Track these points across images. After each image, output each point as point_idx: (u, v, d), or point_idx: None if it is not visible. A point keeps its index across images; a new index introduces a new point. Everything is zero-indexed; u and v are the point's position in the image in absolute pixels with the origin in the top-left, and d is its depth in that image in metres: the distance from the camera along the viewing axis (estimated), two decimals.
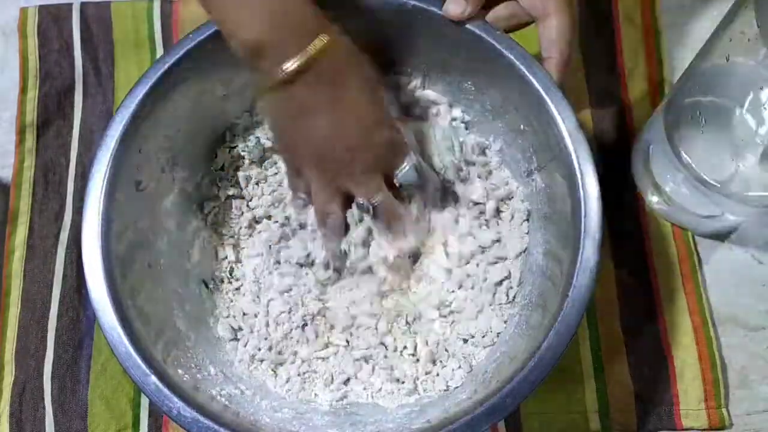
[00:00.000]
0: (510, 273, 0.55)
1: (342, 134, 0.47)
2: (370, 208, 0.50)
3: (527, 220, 0.56)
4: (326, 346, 0.54)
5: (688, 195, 0.55)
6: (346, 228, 0.52)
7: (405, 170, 0.50)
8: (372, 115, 0.48)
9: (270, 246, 0.56)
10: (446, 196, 0.55)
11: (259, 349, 0.54)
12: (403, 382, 0.53)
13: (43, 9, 0.67)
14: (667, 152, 0.54)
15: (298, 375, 0.53)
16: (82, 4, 0.68)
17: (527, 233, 0.55)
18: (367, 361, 0.54)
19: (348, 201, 0.51)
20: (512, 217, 0.56)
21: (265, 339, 0.54)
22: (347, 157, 0.48)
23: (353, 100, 0.47)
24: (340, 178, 0.49)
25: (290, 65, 0.44)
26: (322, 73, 0.45)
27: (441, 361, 0.53)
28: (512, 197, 0.56)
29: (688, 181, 0.54)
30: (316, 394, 0.53)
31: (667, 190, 0.57)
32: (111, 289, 0.46)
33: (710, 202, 0.54)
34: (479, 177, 0.56)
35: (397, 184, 0.51)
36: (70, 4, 0.68)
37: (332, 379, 0.53)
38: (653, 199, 0.59)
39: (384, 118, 0.49)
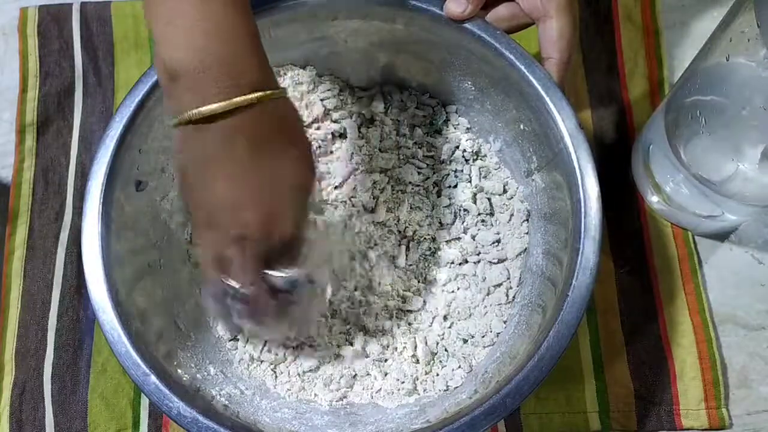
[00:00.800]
0: (509, 273, 0.55)
1: (250, 201, 0.41)
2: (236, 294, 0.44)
3: (527, 220, 0.56)
4: (326, 346, 0.54)
5: (688, 195, 0.55)
6: None
7: (286, 278, 0.44)
8: (282, 201, 0.42)
9: None
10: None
11: (259, 349, 0.54)
12: (403, 382, 0.53)
13: (43, 9, 0.67)
14: (667, 152, 0.54)
15: (298, 375, 0.53)
16: (82, 4, 0.68)
17: (527, 233, 0.55)
18: (367, 362, 0.54)
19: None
20: (512, 217, 0.56)
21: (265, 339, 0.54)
22: (242, 229, 0.41)
23: (267, 174, 0.40)
24: (221, 249, 0.43)
25: (207, 108, 0.38)
26: (244, 131, 0.39)
27: (441, 361, 0.53)
28: (512, 197, 0.56)
29: (688, 181, 0.54)
30: (315, 394, 0.53)
31: (667, 190, 0.57)
32: (111, 288, 0.46)
33: (710, 202, 0.54)
34: (468, 180, 0.57)
35: (270, 281, 0.45)
36: (70, 4, 0.68)
37: (332, 379, 0.53)
38: (653, 199, 0.59)
39: (295, 208, 0.43)
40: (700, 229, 0.59)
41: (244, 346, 0.54)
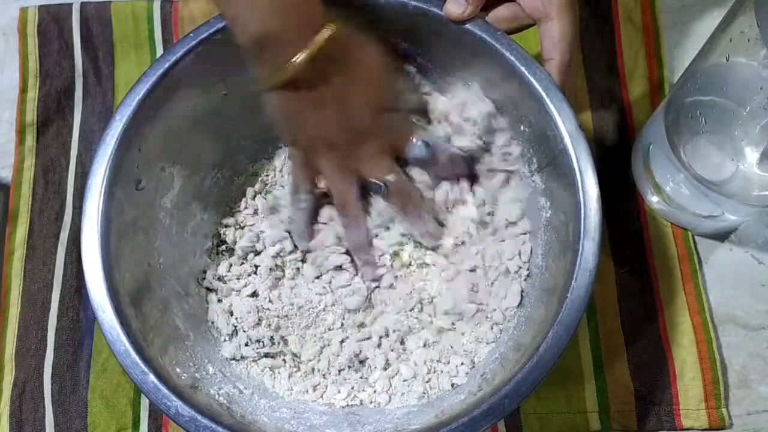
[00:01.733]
0: (512, 283, 0.55)
1: (350, 119, 0.48)
2: (383, 188, 0.51)
3: (527, 231, 0.56)
4: (326, 345, 0.54)
5: (688, 195, 0.55)
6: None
7: (414, 146, 0.51)
8: (380, 97, 0.49)
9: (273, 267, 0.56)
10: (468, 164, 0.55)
11: (258, 349, 0.54)
12: (405, 380, 0.53)
13: (43, 9, 0.67)
14: (667, 152, 0.54)
15: (297, 374, 0.53)
16: (82, 4, 0.68)
17: (527, 234, 0.55)
18: (365, 361, 0.54)
19: (363, 189, 0.52)
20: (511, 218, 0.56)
21: (264, 339, 0.54)
22: (356, 140, 0.49)
23: (361, 85, 0.48)
24: (351, 162, 0.50)
25: (298, 58, 0.44)
26: (329, 61, 0.45)
27: (444, 358, 0.53)
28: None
29: (688, 181, 0.54)
30: (315, 393, 0.53)
31: (667, 190, 0.57)
32: (110, 287, 0.46)
33: (710, 202, 0.54)
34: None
35: (410, 161, 0.52)
36: (70, 4, 0.68)
37: (331, 378, 0.53)
38: (653, 199, 0.59)
39: (392, 100, 0.50)
40: (700, 229, 0.59)
41: (244, 346, 0.54)
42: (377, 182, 0.51)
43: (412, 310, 0.55)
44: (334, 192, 0.52)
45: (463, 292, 0.54)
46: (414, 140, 0.51)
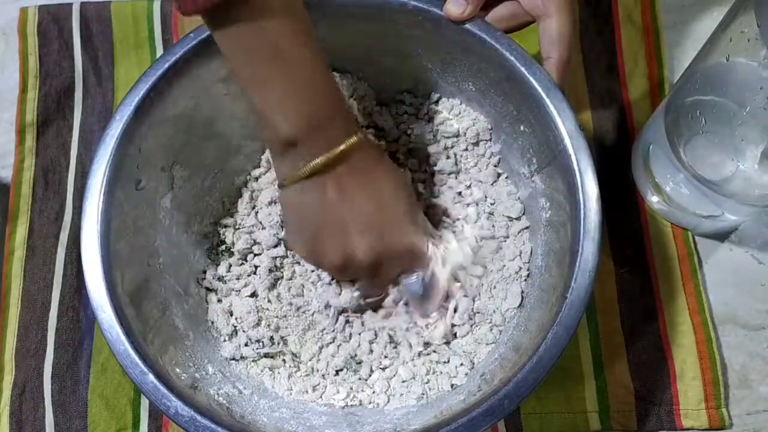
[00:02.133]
0: (512, 283, 0.55)
1: (370, 235, 0.47)
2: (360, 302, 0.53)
3: (527, 228, 0.56)
4: (325, 346, 0.54)
5: (688, 195, 0.55)
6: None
7: (412, 282, 0.51)
8: (400, 218, 0.48)
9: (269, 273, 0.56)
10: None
11: (258, 349, 0.54)
12: (403, 381, 0.53)
13: (43, 9, 0.67)
14: (667, 152, 0.54)
15: (296, 375, 0.53)
16: (82, 4, 0.68)
17: (527, 233, 0.55)
18: (362, 363, 0.54)
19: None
20: (511, 220, 0.56)
21: (264, 339, 0.54)
22: (372, 259, 0.47)
23: (381, 199, 0.47)
24: (354, 274, 0.50)
25: (318, 160, 0.44)
26: (350, 169, 0.45)
27: (443, 359, 0.53)
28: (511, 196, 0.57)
29: (688, 181, 0.54)
30: (314, 394, 0.53)
31: (667, 190, 0.57)
32: (110, 287, 0.46)
33: (710, 202, 0.54)
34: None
35: (398, 289, 0.52)
36: (70, 4, 0.68)
37: (330, 379, 0.53)
38: (653, 199, 0.59)
39: (412, 221, 0.49)
40: (700, 229, 0.59)
41: (244, 346, 0.54)
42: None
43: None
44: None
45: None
46: (414, 277, 0.51)
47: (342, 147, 0.44)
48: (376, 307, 0.54)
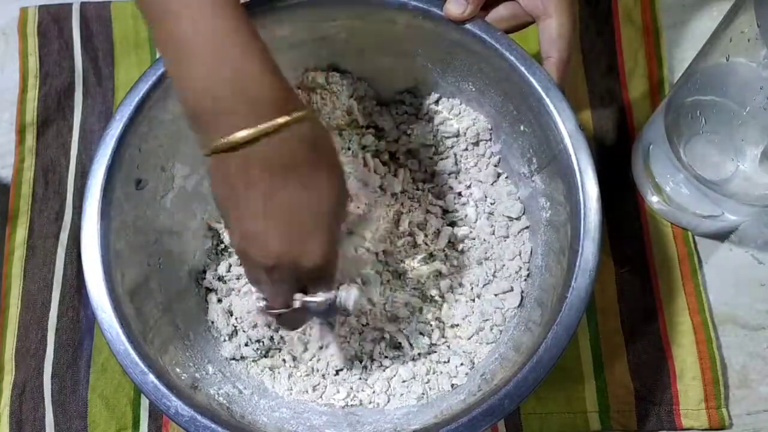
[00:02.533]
0: (512, 283, 0.55)
1: (275, 232, 0.40)
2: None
3: (526, 222, 0.56)
4: (324, 346, 0.54)
5: (688, 195, 0.55)
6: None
7: (318, 300, 0.44)
8: (324, 228, 0.41)
9: None
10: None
11: (258, 349, 0.54)
12: (404, 381, 0.53)
13: (43, 9, 0.67)
14: (667, 152, 0.54)
15: (297, 374, 0.53)
16: (82, 4, 0.68)
17: (527, 233, 0.55)
18: (364, 361, 0.54)
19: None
20: (511, 220, 0.56)
21: (264, 339, 0.54)
22: (269, 260, 0.41)
23: (295, 202, 0.40)
24: (255, 275, 0.44)
25: (233, 137, 0.38)
26: (283, 151, 0.39)
27: (443, 358, 0.53)
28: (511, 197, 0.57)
29: (688, 181, 0.54)
30: (314, 394, 0.53)
31: (667, 190, 0.57)
32: (110, 287, 0.46)
33: (710, 202, 0.54)
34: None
35: (300, 303, 0.45)
36: (70, 4, 0.68)
37: (330, 378, 0.53)
38: (653, 199, 0.59)
39: (324, 235, 0.41)
40: (700, 229, 0.59)
41: (244, 346, 0.54)
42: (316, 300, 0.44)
43: (411, 313, 0.55)
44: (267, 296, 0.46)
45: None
46: (320, 296, 0.44)
47: (276, 122, 0.38)
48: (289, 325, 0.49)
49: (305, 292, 0.44)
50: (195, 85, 0.38)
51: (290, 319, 0.46)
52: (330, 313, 0.47)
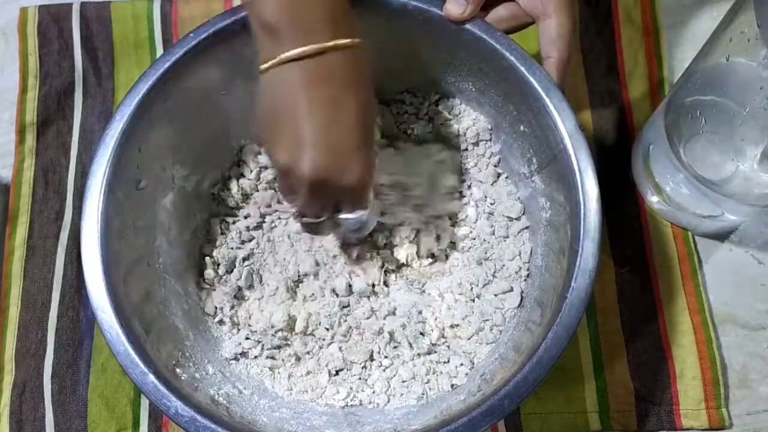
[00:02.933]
0: (512, 283, 0.55)
1: (314, 153, 0.43)
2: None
3: (526, 222, 0.56)
4: (324, 346, 0.54)
5: (688, 195, 0.55)
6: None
7: (352, 218, 0.48)
8: (361, 148, 0.44)
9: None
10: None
11: (258, 349, 0.54)
12: (404, 381, 0.53)
13: (43, 9, 0.67)
14: (667, 152, 0.54)
15: (296, 374, 0.53)
16: (82, 4, 0.68)
17: (527, 230, 0.55)
18: (364, 361, 0.54)
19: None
20: (511, 220, 0.56)
21: (264, 339, 0.54)
22: (310, 176, 0.43)
23: (349, 117, 0.43)
24: (295, 191, 0.46)
25: (293, 52, 0.42)
26: (326, 70, 0.43)
27: (443, 359, 0.53)
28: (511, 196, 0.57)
29: (688, 181, 0.54)
30: (314, 394, 0.53)
31: (667, 190, 0.57)
32: (110, 287, 0.46)
33: (710, 202, 0.54)
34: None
35: (337, 219, 0.49)
36: (70, 4, 0.68)
37: (331, 379, 0.53)
38: (653, 199, 0.59)
39: (370, 156, 0.45)
40: (700, 229, 0.59)
41: (243, 346, 0.54)
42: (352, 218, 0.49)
43: (410, 314, 0.55)
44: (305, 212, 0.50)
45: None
46: (355, 215, 0.48)
47: (322, 45, 0.42)
48: (316, 232, 0.53)
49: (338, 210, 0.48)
50: (274, 5, 0.42)
51: (317, 228, 0.52)
52: (360, 230, 0.51)
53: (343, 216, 0.48)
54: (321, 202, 0.47)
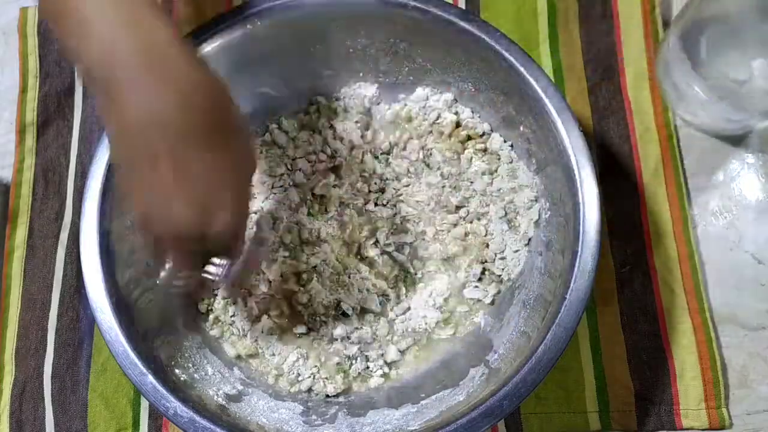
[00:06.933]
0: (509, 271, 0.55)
1: (184, 199, 0.39)
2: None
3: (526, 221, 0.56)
4: (327, 344, 0.54)
5: (708, 101, 0.56)
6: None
7: (219, 268, 0.44)
8: (228, 184, 0.40)
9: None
10: None
11: (258, 349, 0.54)
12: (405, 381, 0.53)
13: None
14: (684, 59, 0.55)
15: (296, 374, 0.53)
16: None
17: (527, 233, 0.55)
18: (364, 361, 0.54)
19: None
20: (510, 216, 0.56)
21: (264, 339, 0.54)
22: (171, 233, 0.40)
23: (200, 167, 0.39)
24: (160, 246, 0.42)
25: (142, 104, 0.37)
26: (180, 119, 0.38)
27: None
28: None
29: (707, 86, 0.55)
30: (313, 393, 0.53)
31: (690, 97, 0.58)
32: (109, 288, 0.46)
33: (730, 105, 0.55)
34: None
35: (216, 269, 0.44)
36: None
37: (330, 378, 0.53)
38: (679, 108, 0.60)
39: (243, 191, 0.42)
40: (725, 132, 0.60)
41: (243, 346, 0.54)
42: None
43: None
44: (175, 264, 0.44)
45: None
46: (224, 263, 0.44)
47: (179, 88, 0.37)
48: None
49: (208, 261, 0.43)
50: (98, 56, 0.37)
51: (196, 287, 0.46)
52: (237, 276, 0.46)
53: (217, 264, 0.44)
54: (189, 255, 0.42)
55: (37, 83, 0.66)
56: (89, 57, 0.37)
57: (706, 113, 0.58)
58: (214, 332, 0.55)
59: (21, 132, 0.64)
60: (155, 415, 0.56)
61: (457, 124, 0.58)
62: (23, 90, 0.65)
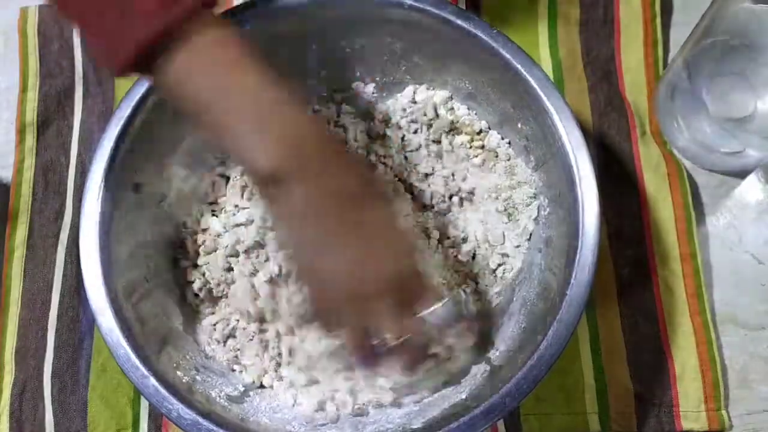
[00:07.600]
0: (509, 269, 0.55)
1: (370, 265, 0.42)
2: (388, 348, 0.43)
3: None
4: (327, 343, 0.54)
5: (711, 133, 0.56)
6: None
7: (440, 307, 0.43)
8: (399, 241, 0.44)
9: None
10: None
11: (258, 349, 0.54)
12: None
13: (43, 9, 0.67)
14: (690, 93, 0.55)
15: (296, 375, 0.53)
16: None
17: (526, 233, 0.56)
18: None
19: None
20: (510, 216, 0.56)
21: (264, 339, 0.54)
22: (377, 291, 0.42)
23: (377, 225, 0.43)
24: (370, 318, 0.43)
25: (305, 195, 0.40)
26: (342, 200, 0.41)
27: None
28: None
29: (710, 119, 0.55)
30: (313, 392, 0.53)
31: (691, 129, 0.58)
32: (109, 291, 0.46)
33: (732, 138, 0.55)
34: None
35: (427, 322, 0.43)
36: None
37: (331, 379, 0.53)
38: (678, 139, 0.60)
39: (411, 244, 0.45)
40: (724, 167, 0.60)
41: (243, 347, 0.54)
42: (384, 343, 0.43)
43: None
44: (348, 342, 0.45)
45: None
46: (440, 301, 0.43)
47: (327, 180, 0.41)
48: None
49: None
50: (275, 158, 0.39)
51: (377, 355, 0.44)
52: (452, 318, 0.45)
53: (428, 311, 0.43)
54: (380, 316, 0.42)
55: (37, 83, 0.65)
56: (264, 168, 0.40)
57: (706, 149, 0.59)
58: (218, 334, 0.54)
59: (21, 132, 0.64)
60: (155, 415, 0.56)
61: (454, 122, 0.58)
62: (23, 90, 0.65)
